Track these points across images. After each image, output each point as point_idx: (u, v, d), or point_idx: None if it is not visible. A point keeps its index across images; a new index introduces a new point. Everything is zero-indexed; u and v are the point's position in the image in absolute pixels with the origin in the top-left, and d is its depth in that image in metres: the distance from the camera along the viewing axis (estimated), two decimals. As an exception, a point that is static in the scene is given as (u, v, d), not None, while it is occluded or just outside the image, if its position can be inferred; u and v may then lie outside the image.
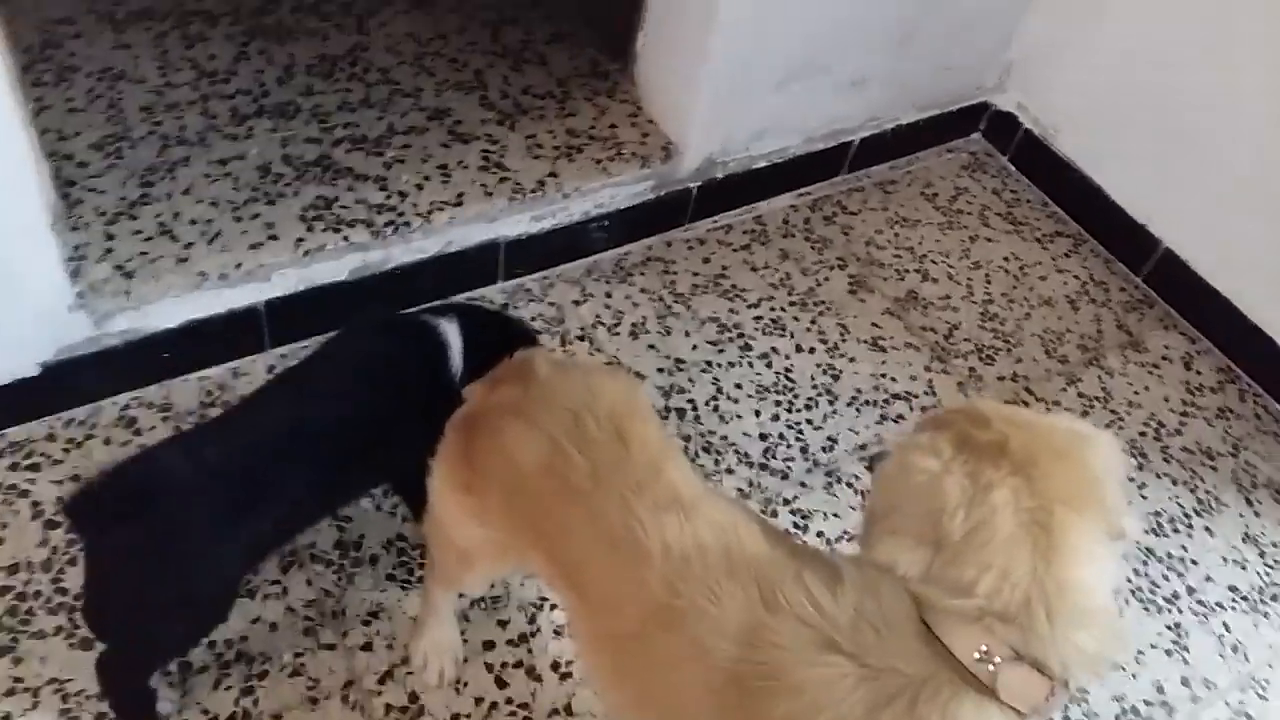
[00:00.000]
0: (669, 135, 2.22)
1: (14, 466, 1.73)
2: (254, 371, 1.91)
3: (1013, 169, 2.64)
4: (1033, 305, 2.32)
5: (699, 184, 2.28)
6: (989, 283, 2.35)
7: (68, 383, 1.77)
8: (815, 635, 0.99)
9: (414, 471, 1.39)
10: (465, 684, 1.57)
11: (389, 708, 1.53)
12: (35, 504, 1.68)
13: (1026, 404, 2.11)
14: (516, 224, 2.06)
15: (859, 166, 2.55)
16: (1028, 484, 1.00)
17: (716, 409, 2.00)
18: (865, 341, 2.18)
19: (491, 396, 1.27)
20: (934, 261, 2.38)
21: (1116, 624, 1.01)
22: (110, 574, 1.29)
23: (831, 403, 2.05)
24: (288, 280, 1.88)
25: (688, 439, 1.94)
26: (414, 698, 1.55)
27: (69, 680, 1.48)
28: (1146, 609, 1.81)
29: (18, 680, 1.49)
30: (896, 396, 2.08)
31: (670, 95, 2.21)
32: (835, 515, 1.87)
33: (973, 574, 0.98)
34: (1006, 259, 2.42)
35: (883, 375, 2.12)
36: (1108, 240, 2.46)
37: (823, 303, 2.25)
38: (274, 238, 1.87)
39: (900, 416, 2.05)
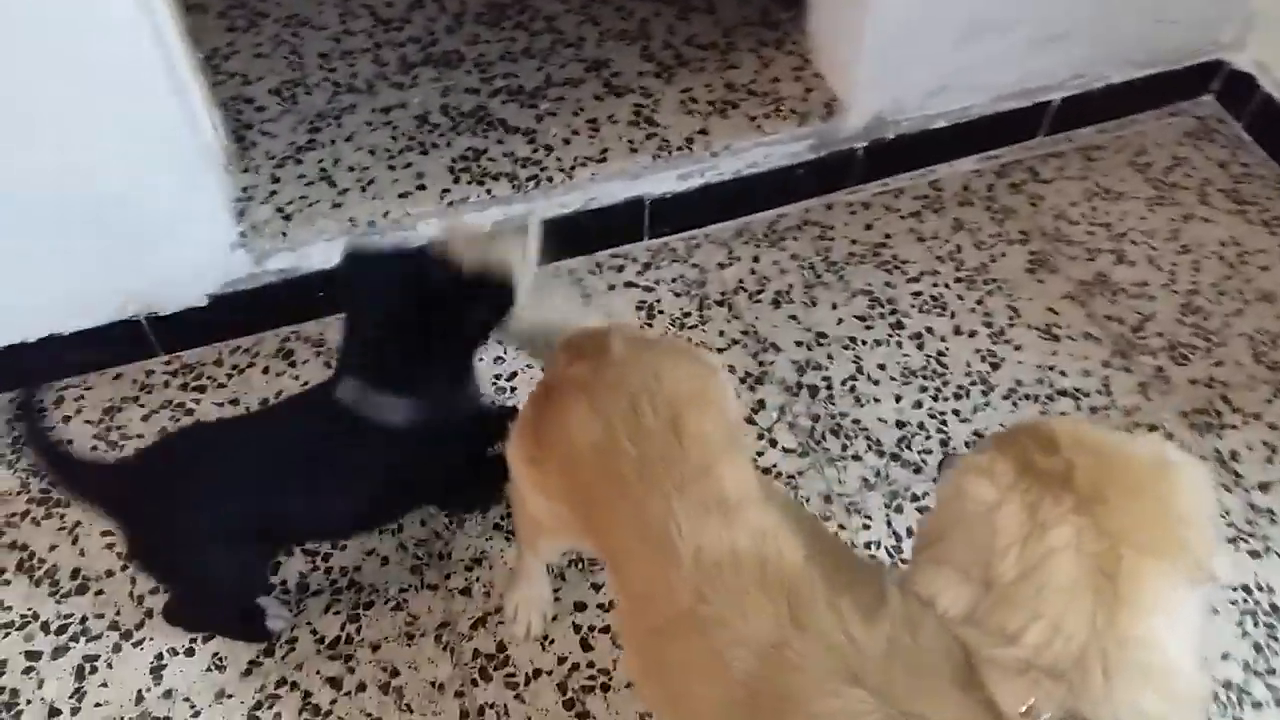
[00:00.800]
0: (834, 90, 2.08)
1: (184, 386, 1.90)
2: (399, 315, 1.98)
3: (1247, 138, 2.29)
4: (1247, 300, 2.02)
5: (866, 144, 2.13)
6: (1197, 270, 2.07)
7: (232, 314, 1.91)
8: (840, 664, 0.91)
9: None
10: (552, 641, 1.58)
11: (477, 653, 1.57)
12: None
13: (1219, 414, 1.85)
14: (662, 182, 2.01)
15: (1059, 129, 2.29)
16: (1093, 523, 0.87)
17: (853, 390, 1.88)
18: (1037, 328, 1.98)
19: (567, 370, 1.25)
20: (1134, 242, 2.12)
21: (1190, 684, 0.86)
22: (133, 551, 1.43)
23: (985, 394, 1.88)
24: (432, 230, 1.92)
25: (816, 419, 1.84)
26: (501, 647, 1.58)
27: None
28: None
29: (158, 584, 1.65)
30: (1063, 393, 1.88)
31: (838, 47, 2.07)
32: (967, 516, 1.72)
33: (1020, 621, 0.87)
34: (1223, 243, 2.11)
35: (1051, 367, 1.92)
36: (1356, 227, 2.09)
37: (994, 281, 2.05)
38: (422, 188, 1.93)
39: (1064, 415, 1.85)
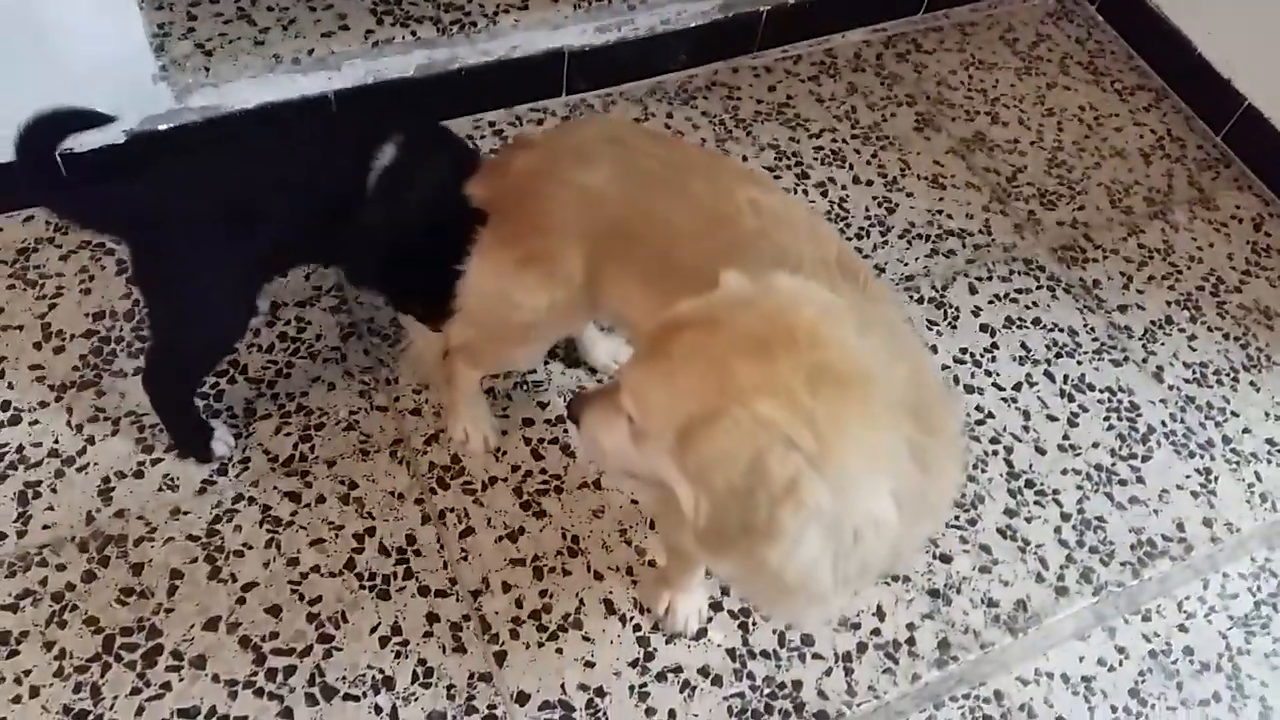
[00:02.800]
0: (743, -46, 2.19)
1: (100, 229, 1.84)
2: (323, 161, 1.97)
3: (1100, 20, 2.54)
4: (1103, 156, 2.27)
5: (769, 8, 2.25)
6: (1060, 130, 2.30)
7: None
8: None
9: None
10: (505, 453, 1.67)
11: (432, 465, 1.64)
12: (120, 261, 1.80)
13: (1083, 249, 2.09)
14: (581, 34, 2.07)
15: (938, 6, 2.48)
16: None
17: (767, 230, 2.02)
18: (925, 178, 2.17)
19: (519, 166, 1.30)
20: (1006, 106, 2.33)
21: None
22: (139, 285, 1.43)
23: (883, 234, 2.06)
24: (357, 71, 1.92)
25: (736, 255, 1.97)
26: (456, 460, 1.65)
27: (145, 414, 1.62)
28: (1178, 452, 1.82)
29: (99, 410, 1.63)
30: (950, 233, 2.08)
31: (747, -89, 2.17)
32: (874, 337, 1.90)
33: None
34: (1082, 108, 2.36)
35: (939, 212, 2.11)
36: (1191, 96, 2.37)
37: (886, 138, 2.23)
38: (345, 28, 1.92)
39: (951, 252, 2.05)
